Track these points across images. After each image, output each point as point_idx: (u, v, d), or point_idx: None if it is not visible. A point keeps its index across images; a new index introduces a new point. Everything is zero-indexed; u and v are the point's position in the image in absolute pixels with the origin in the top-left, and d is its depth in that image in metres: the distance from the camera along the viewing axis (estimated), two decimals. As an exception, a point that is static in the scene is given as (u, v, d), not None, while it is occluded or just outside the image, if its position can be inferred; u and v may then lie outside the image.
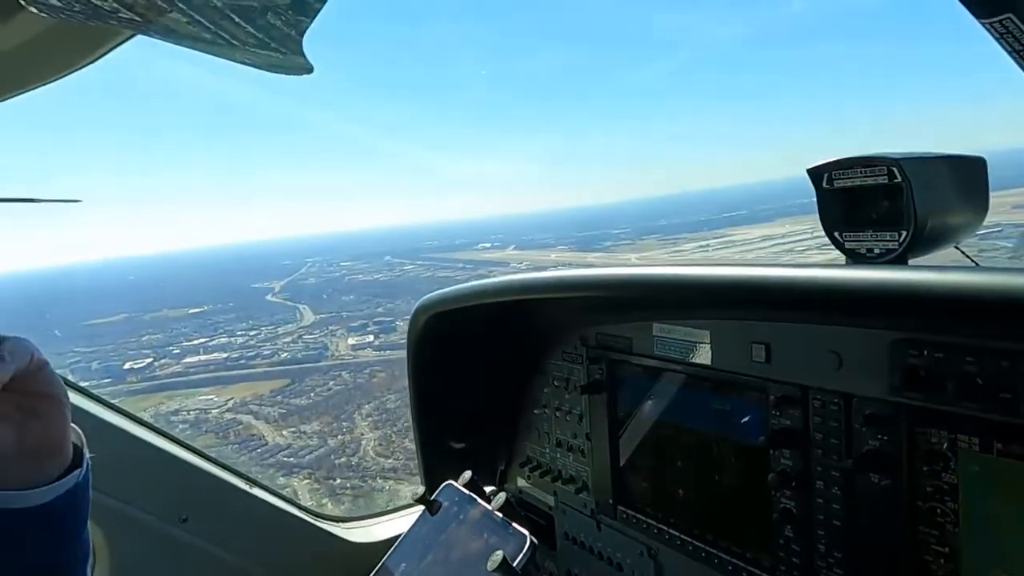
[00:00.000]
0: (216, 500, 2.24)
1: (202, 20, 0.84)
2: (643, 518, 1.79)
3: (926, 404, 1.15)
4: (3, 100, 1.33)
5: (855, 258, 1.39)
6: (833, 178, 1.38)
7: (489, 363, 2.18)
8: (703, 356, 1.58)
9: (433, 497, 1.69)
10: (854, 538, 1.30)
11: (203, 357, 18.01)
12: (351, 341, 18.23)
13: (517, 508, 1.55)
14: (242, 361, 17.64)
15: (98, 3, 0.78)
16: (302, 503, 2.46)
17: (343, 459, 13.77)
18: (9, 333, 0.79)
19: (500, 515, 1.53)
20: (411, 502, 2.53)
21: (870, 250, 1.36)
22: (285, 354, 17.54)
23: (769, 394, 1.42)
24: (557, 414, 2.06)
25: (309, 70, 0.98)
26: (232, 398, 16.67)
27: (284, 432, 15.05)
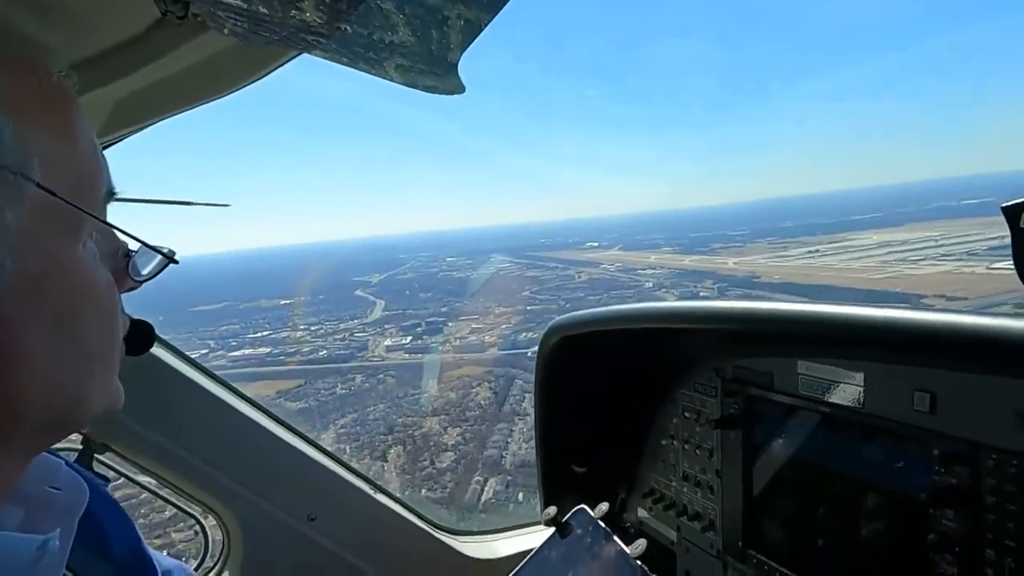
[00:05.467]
0: (343, 502, 2.32)
1: (367, 42, 0.91)
2: (776, 565, 1.69)
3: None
4: (177, 113, 1.46)
5: (1052, 309, 1.20)
6: None
7: (617, 389, 2.13)
8: (854, 398, 1.48)
9: (565, 519, 1.62)
10: None
11: (248, 351, 17.89)
12: (387, 342, 17.98)
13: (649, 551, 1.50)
14: (281, 357, 17.49)
15: (275, 24, 0.86)
16: (423, 512, 2.51)
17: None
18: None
19: (639, 563, 1.47)
20: (529, 521, 2.64)
21: (1070, 301, 1.17)
22: (324, 351, 17.48)
23: (932, 447, 1.31)
24: (686, 446, 2.00)
25: (462, 90, 1.05)
26: (235, 398, 16.47)
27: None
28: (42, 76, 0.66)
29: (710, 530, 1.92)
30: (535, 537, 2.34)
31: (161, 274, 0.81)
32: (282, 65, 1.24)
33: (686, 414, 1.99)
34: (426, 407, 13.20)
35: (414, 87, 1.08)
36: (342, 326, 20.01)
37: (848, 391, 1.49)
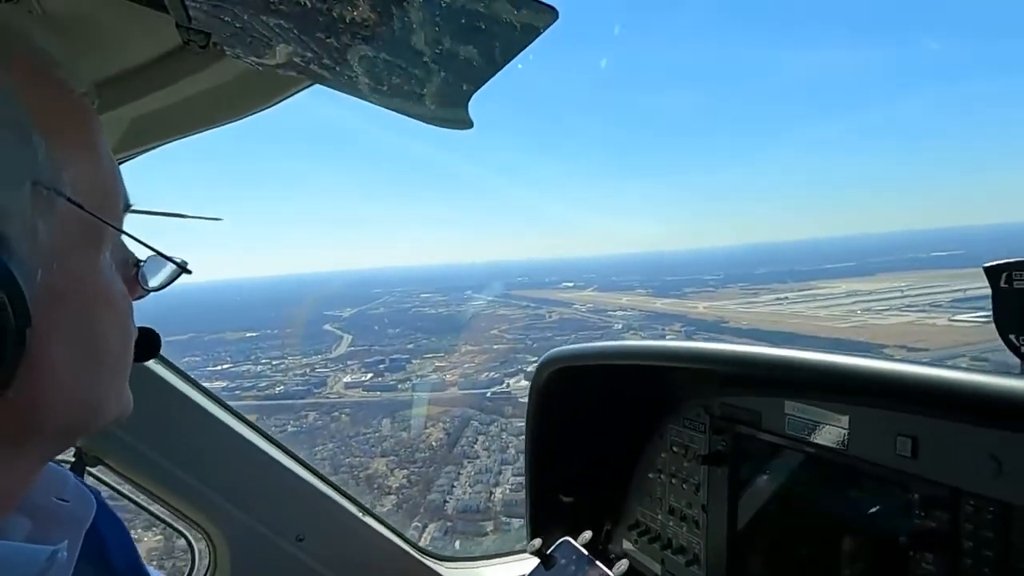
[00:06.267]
0: (331, 523, 2.31)
1: (378, 76, 0.93)
2: None
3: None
4: (189, 135, 1.49)
5: (1033, 366, 1.29)
6: (1013, 278, 1.27)
7: (607, 422, 2.16)
8: (839, 440, 1.51)
9: (550, 552, 1.68)
10: None
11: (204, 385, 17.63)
12: (347, 378, 17.52)
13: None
14: (237, 391, 16.51)
15: (291, 54, 0.89)
16: (409, 537, 2.51)
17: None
18: None
19: None
20: (514, 548, 2.65)
21: (1051, 359, 1.24)
22: (281, 387, 17.18)
23: (913, 491, 1.35)
24: (673, 481, 2.02)
25: (469, 125, 1.06)
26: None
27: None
28: (68, 94, 0.68)
29: (694, 564, 1.93)
30: (521, 565, 2.37)
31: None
32: (294, 94, 1.28)
33: (674, 449, 2.01)
34: (375, 448, 12.91)
35: (423, 120, 1.11)
36: (305, 361, 19.64)
37: (833, 433, 1.52)
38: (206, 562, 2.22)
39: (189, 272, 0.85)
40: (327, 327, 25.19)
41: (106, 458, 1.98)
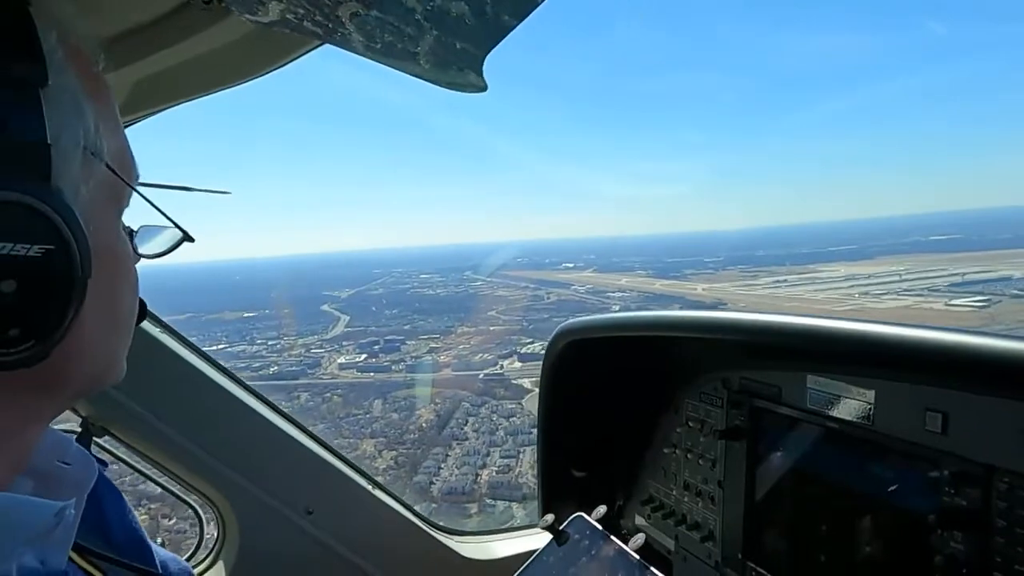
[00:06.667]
0: (341, 497, 2.28)
1: (390, 35, 0.90)
2: None
3: None
4: (194, 99, 1.46)
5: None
6: None
7: (622, 395, 2.12)
8: (864, 415, 1.46)
9: (562, 527, 1.65)
10: None
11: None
12: (341, 359, 17.76)
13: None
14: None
15: (302, 10, 0.86)
16: (420, 512, 2.48)
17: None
18: None
19: (637, 556, 1.50)
20: (528, 523, 2.62)
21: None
22: (275, 368, 16.99)
23: (943, 468, 1.30)
24: (688, 456, 1.99)
25: (483, 88, 1.03)
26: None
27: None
28: (95, 67, 0.72)
29: (709, 540, 1.91)
30: (534, 539, 2.32)
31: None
32: (303, 55, 1.24)
33: (690, 423, 1.97)
34: (365, 429, 12.98)
35: (436, 83, 1.08)
36: (301, 341, 19.81)
37: (858, 407, 1.48)
38: (215, 534, 2.21)
39: (192, 240, 0.87)
40: (325, 307, 25.22)
41: (113, 428, 1.95)
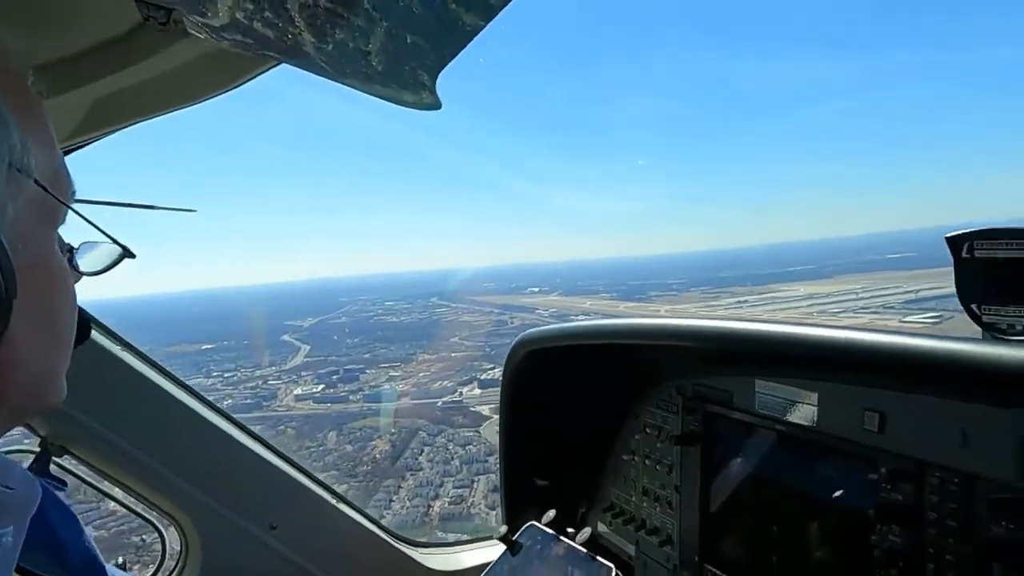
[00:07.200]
0: (305, 511, 2.27)
1: (346, 54, 0.93)
2: None
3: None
4: (153, 117, 1.46)
5: (994, 333, 1.29)
6: (974, 248, 1.30)
7: (583, 404, 2.15)
8: (808, 417, 1.52)
9: (515, 537, 1.69)
10: None
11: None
12: (297, 390, 17.26)
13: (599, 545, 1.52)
14: None
15: (257, 31, 0.89)
16: (383, 524, 2.47)
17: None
18: None
19: (584, 549, 1.54)
20: (492, 535, 2.54)
21: (1011, 326, 1.27)
22: (229, 400, 16.69)
23: (880, 465, 1.37)
24: (647, 462, 2.02)
25: (437, 107, 1.06)
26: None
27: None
28: (24, 81, 0.71)
29: (667, 544, 1.94)
30: (497, 549, 2.31)
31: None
32: (260, 74, 1.26)
33: (648, 430, 2.01)
34: (318, 462, 12.61)
35: (392, 101, 1.10)
36: (258, 373, 19.25)
37: (803, 410, 1.53)
38: (177, 550, 2.18)
39: (133, 256, 0.87)
40: (285, 337, 24.72)
41: (72, 447, 1.92)
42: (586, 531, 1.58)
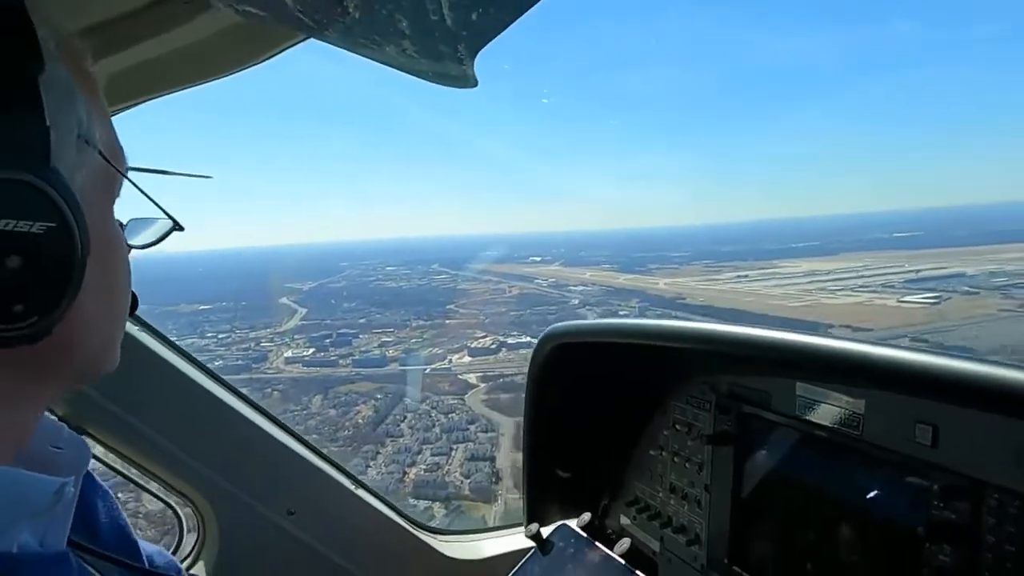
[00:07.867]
0: (323, 496, 2.26)
1: (377, 28, 0.89)
2: None
3: None
4: (172, 92, 1.44)
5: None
6: None
7: (609, 397, 2.12)
8: (853, 424, 1.45)
9: (547, 536, 1.64)
10: None
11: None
12: (288, 353, 17.20)
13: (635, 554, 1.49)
14: None
15: (281, 4, 0.86)
16: (404, 511, 2.46)
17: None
18: None
19: (623, 562, 1.51)
20: (513, 522, 2.58)
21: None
22: (219, 362, 16.65)
23: (932, 481, 1.30)
24: (675, 459, 1.98)
25: (474, 84, 1.03)
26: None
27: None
28: (84, 60, 0.73)
29: (695, 544, 1.90)
30: (518, 539, 2.35)
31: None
32: (286, 49, 1.22)
33: (677, 427, 1.96)
34: (299, 427, 12.68)
35: (423, 78, 1.06)
36: (252, 334, 19.31)
37: (847, 416, 1.47)
38: (194, 536, 2.17)
39: (182, 229, 0.90)
40: (283, 300, 24.75)
41: (90, 428, 1.91)
42: (625, 541, 1.55)
